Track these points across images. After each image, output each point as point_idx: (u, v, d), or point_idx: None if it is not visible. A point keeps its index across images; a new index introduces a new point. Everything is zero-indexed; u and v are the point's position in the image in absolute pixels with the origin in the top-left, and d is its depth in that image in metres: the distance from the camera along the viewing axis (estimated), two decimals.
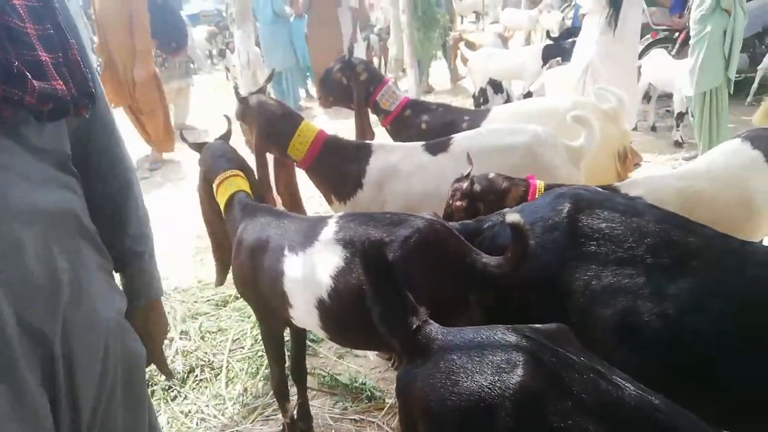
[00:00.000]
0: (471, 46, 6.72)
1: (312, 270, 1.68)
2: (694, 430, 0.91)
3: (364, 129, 3.00)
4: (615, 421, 0.91)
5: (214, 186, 2.06)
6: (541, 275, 1.54)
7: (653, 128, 5.99)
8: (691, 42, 4.48)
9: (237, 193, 2.00)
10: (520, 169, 2.30)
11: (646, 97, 5.99)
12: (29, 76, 0.87)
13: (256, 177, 2.43)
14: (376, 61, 10.57)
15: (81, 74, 0.97)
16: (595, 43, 4.18)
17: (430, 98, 8.04)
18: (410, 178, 2.37)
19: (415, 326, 1.13)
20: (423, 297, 1.50)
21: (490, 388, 0.96)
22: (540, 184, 2.00)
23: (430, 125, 2.90)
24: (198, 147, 2.20)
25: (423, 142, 2.48)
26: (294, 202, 2.77)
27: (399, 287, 1.17)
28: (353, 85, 2.95)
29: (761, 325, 1.30)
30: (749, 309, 1.30)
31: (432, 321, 1.15)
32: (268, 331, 2.05)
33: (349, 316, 1.64)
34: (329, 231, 1.70)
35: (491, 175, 2.03)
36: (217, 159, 2.09)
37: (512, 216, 1.46)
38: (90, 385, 1.00)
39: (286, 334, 2.19)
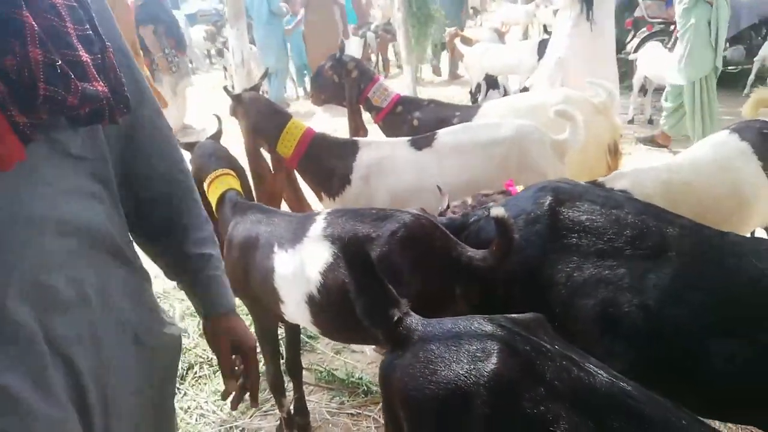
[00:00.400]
0: (467, 41, 6.73)
1: (301, 266, 1.71)
2: (665, 415, 0.93)
3: (357, 126, 3.03)
4: (586, 406, 0.93)
5: (206, 185, 2.08)
6: (524, 268, 1.57)
7: (650, 121, 6.00)
8: (678, 34, 4.59)
9: (228, 191, 2.03)
10: (504, 163, 2.34)
11: (642, 90, 6.01)
12: (72, 76, 0.85)
13: (249, 171, 2.48)
14: (373, 58, 10.60)
15: (116, 78, 0.95)
16: (567, 37, 4.09)
17: (431, 90, 8.09)
18: (396, 173, 2.41)
19: (396, 318, 1.16)
20: (410, 290, 1.54)
21: (466, 377, 0.98)
22: (520, 189, 2.01)
23: (421, 121, 2.93)
24: (189, 146, 2.23)
25: (409, 138, 2.51)
26: (296, 196, 2.80)
27: (381, 280, 1.20)
28: (345, 83, 2.98)
29: (738, 315, 1.32)
30: (727, 298, 1.33)
31: (413, 313, 1.18)
32: (262, 328, 2.08)
33: (338, 310, 1.66)
34: (318, 227, 1.72)
35: (469, 200, 2.03)
36: (207, 158, 2.12)
37: (497, 210, 1.49)
38: (123, 398, 1.00)
39: (281, 331, 2.23)
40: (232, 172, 2.11)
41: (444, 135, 2.47)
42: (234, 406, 1.34)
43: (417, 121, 2.94)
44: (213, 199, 2.06)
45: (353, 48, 8.89)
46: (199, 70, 11.89)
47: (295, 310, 1.79)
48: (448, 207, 2.03)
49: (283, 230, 1.81)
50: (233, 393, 1.27)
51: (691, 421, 0.95)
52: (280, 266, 1.77)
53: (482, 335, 1.02)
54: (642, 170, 2.11)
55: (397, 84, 7.93)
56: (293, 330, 2.19)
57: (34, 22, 0.81)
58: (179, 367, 2.74)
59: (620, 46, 7.00)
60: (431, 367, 1.04)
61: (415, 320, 1.15)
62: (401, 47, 6.70)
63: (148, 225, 1.12)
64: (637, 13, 6.80)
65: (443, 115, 2.92)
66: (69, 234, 0.92)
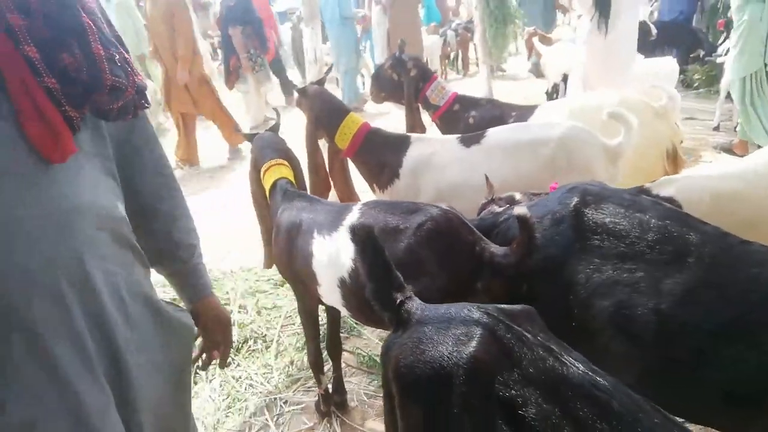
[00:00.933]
0: (546, 40, 6.61)
1: (336, 252, 1.83)
2: (634, 411, 0.96)
3: (414, 124, 3.12)
4: (555, 394, 0.98)
5: (261, 172, 2.25)
6: (547, 266, 1.60)
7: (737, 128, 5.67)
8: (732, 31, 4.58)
9: (280, 179, 2.18)
10: (551, 164, 2.34)
11: (731, 96, 5.67)
12: (130, 69, 0.93)
13: (308, 161, 2.64)
14: (453, 56, 10.61)
15: (137, 74, 1.01)
16: (584, 44, 3.98)
17: (510, 87, 7.99)
18: (443, 169, 2.47)
19: (398, 301, 1.24)
20: (433, 280, 1.63)
21: (448, 357, 1.06)
22: None
23: (477, 120, 2.97)
24: (250, 137, 2.41)
25: (459, 135, 2.57)
26: (346, 187, 2.93)
27: (389, 266, 1.29)
28: (404, 81, 3.07)
29: (757, 323, 1.31)
30: (745, 306, 1.31)
31: (415, 297, 1.26)
32: (304, 307, 2.23)
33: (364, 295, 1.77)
34: (352, 217, 1.84)
35: (517, 195, 2.02)
36: (264, 149, 2.29)
37: (519, 209, 1.54)
38: (151, 379, 1.09)
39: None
40: (285, 162, 2.26)
41: (493, 133, 2.51)
42: (204, 367, 1.45)
43: (473, 120, 2.99)
44: (266, 186, 2.23)
45: (432, 46, 8.96)
46: (287, 67, 12.32)
47: (329, 292, 1.92)
48: (492, 199, 2.06)
49: (323, 218, 1.93)
50: (204, 357, 1.43)
51: (663, 420, 0.97)
52: (318, 251, 1.90)
53: (468, 321, 1.09)
54: (692, 177, 2.06)
55: (474, 82, 7.93)
56: (333, 312, 2.32)
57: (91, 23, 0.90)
58: (236, 340, 2.98)
59: (711, 48, 6.65)
60: (421, 347, 1.12)
61: (416, 304, 1.24)
62: (478, 46, 6.70)
63: (141, 216, 1.19)
64: (731, 13, 6.40)
65: (499, 114, 2.95)
66: (103, 227, 0.98)
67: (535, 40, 6.47)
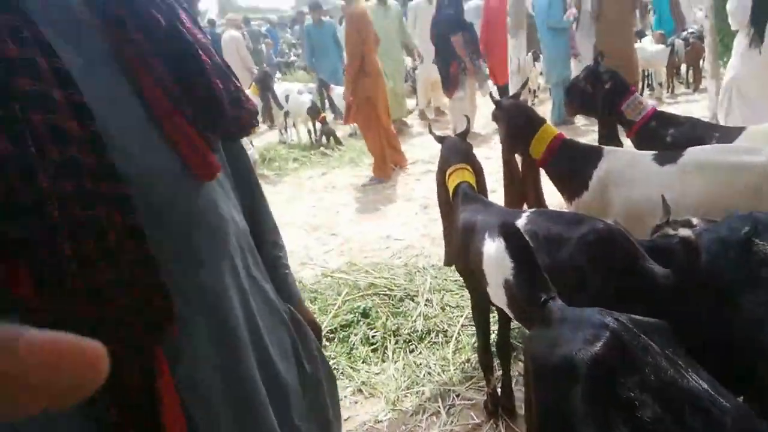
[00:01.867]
0: None
1: (503, 254, 1.99)
2: (746, 429, 1.00)
3: (607, 138, 3.09)
4: (671, 403, 1.06)
5: (447, 175, 2.50)
6: (710, 293, 1.59)
7: None
8: None
9: (462, 183, 2.40)
10: (754, 192, 2.19)
11: None
12: (242, 97, 1.02)
13: (503, 172, 2.81)
14: (683, 68, 9.77)
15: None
16: (740, 57, 3.63)
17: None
18: (633, 185, 2.44)
19: (543, 300, 1.39)
20: (590, 290, 1.71)
21: (575, 354, 1.18)
22: None
23: (675, 139, 2.85)
24: (440, 140, 2.67)
25: (655, 152, 2.52)
26: (538, 200, 3.04)
27: (536, 265, 1.43)
28: (597, 94, 3.06)
29: None
30: None
31: (558, 298, 1.39)
32: (475, 304, 2.42)
33: None
34: (520, 222, 1.98)
35: (694, 220, 1.93)
36: (451, 153, 2.53)
37: (684, 231, 1.57)
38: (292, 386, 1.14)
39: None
40: (468, 167, 2.47)
41: (691, 153, 2.41)
42: None
43: (671, 138, 2.87)
44: (450, 188, 2.47)
45: (656, 56, 8.39)
46: None
47: (496, 292, 2.08)
48: (667, 221, 2.03)
49: (495, 221, 2.11)
50: None
51: None
52: (488, 251, 2.08)
53: (598, 324, 1.20)
54: None
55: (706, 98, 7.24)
56: (504, 314, 2.47)
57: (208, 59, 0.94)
58: (420, 329, 3.26)
59: None
60: (554, 342, 1.26)
61: (558, 305, 1.37)
62: (706, 59, 6.17)
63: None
64: None
65: (700, 134, 2.79)
66: (240, 240, 1.02)
67: None
